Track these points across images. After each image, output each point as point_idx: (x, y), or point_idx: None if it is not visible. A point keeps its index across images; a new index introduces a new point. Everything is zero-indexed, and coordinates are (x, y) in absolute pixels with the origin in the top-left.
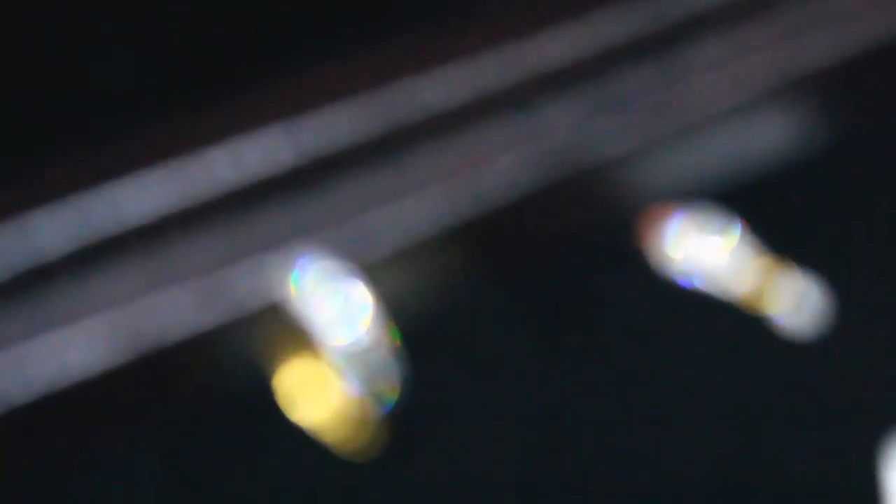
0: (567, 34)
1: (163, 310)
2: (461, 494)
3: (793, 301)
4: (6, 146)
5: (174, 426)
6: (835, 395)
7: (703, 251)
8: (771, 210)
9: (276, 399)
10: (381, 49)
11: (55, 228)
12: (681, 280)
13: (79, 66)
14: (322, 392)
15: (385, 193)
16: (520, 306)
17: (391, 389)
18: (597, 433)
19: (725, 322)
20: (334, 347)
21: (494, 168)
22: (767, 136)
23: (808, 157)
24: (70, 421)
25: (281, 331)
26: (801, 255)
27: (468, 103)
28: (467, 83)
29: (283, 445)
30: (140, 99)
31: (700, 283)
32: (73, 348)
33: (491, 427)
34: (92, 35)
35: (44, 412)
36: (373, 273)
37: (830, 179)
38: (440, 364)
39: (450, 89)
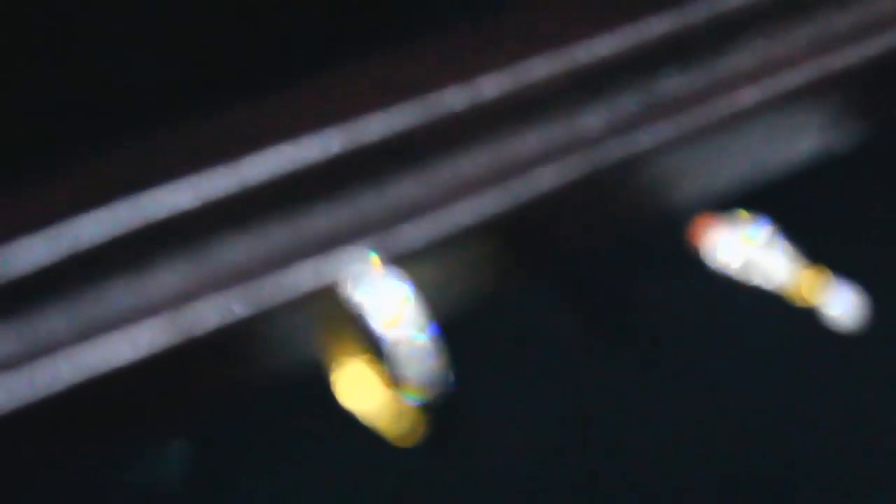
0: (604, 35)
1: (207, 303)
2: (498, 479)
3: (828, 296)
4: (43, 143)
5: (214, 417)
6: (873, 385)
7: (739, 249)
8: (804, 209)
9: (320, 388)
10: (421, 47)
11: (97, 224)
12: (717, 275)
13: (123, 64)
14: (366, 382)
15: (429, 189)
16: (557, 299)
17: (432, 380)
18: (632, 424)
19: (761, 314)
20: (377, 339)
21: (531, 165)
22: (801, 136)
23: (840, 156)
24: (110, 411)
25: (325, 323)
26: (834, 252)
27: (505, 103)
28: (503, 83)
29: (327, 432)
30: (180, 96)
31: (736, 279)
32: (115, 341)
33: (527, 415)
34: (136, 35)
35: (85, 402)
36: (414, 267)
37: (861, 178)
38: (480, 355)
39: (485, 89)
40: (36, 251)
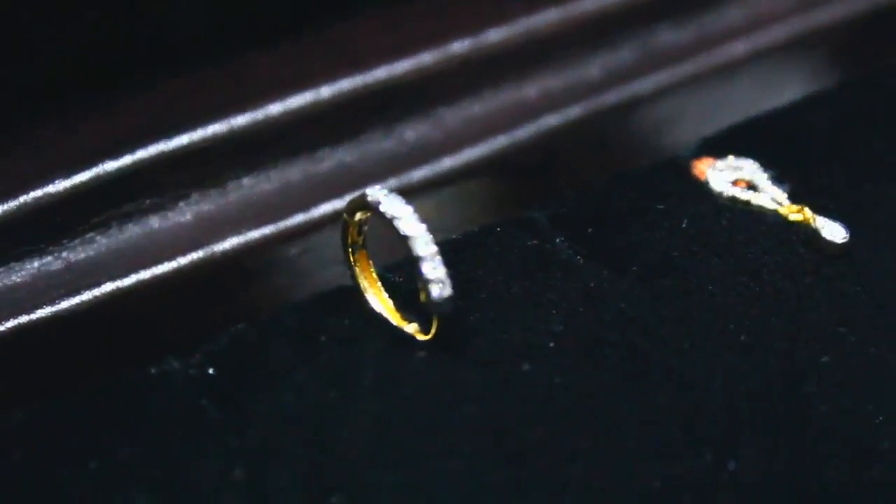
0: None
1: (233, 228)
2: (509, 378)
3: (811, 221)
4: (83, 84)
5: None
6: (853, 295)
7: (730, 185)
8: (789, 148)
9: (349, 296)
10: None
11: (130, 158)
12: (712, 206)
13: (155, 15)
14: (386, 289)
15: (439, 130)
16: (567, 228)
17: (445, 286)
18: (631, 323)
19: (753, 239)
20: (404, 244)
21: (535, 110)
22: (786, 85)
23: (822, 102)
24: (152, 322)
25: (347, 242)
26: (816, 184)
27: (510, 51)
28: (509, 32)
29: (356, 333)
30: (208, 42)
31: (729, 209)
32: (152, 261)
33: (536, 324)
34: None
35: (124, 315)
36: (425, 200)
37: (840, 121)
38: (492, 274)
39: (491, 38)
40: (77, 182)
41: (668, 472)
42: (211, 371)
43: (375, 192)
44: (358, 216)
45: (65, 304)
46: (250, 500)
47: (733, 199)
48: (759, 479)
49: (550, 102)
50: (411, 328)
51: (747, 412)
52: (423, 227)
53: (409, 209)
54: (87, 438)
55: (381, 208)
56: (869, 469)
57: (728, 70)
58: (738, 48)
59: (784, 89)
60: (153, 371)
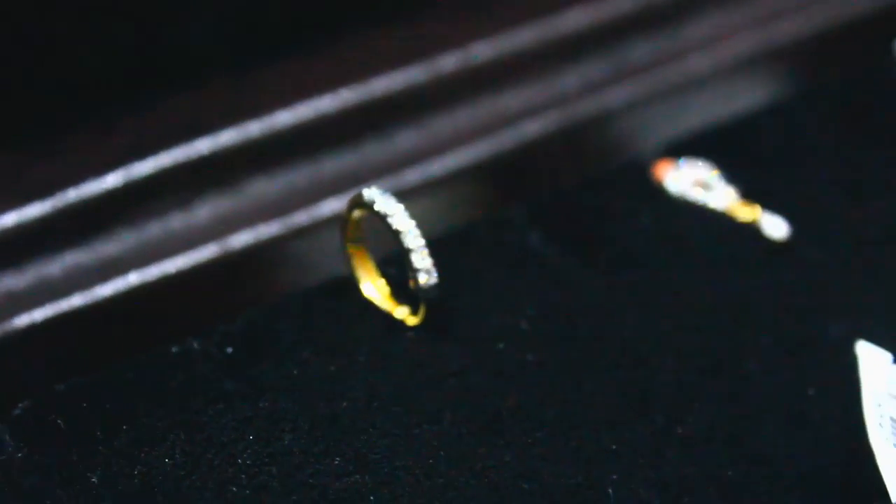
0: (580, 8)
1: (244, 226)
2: (487, 357)
3: (760, 218)
4: (109, 95)
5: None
6: (796, 284)
7: (690, 185)
8: (744, 152)
9: (346, 286)
10: (421, 17)
11: (154, 161)
12: (673, 204)
13: (175, 34)
14: (380, 277)
15: (428, 138)
16: (541, 226)
17: (432, 275)
18: (603, 319)
19: (708, 233)
20: (395, 237)
21: (516, 119)
22: (745, 95)
23: (776, 111)
24: (169, 311)
25: (345, 238)
26: (765, 185)
27: (493, 65)
28: (492, 49)
29: (351, 318)
30: (220, 57)
31: (688, 207)
32: (171, 256)
33: (512, 309)
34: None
35: (147, 305)
36: (415, 202)
37: (792, 130)
38: (472, 265)
39: (476, 54)
40: (106, 183)
41: (624, 435)
42: (228, 350)
43: (370, 192)
44: (356, 213)
45: (97, 292)
46: (261, 460)
47: (688, 199)
48: (703, 440)
49: (529, 112)
50: (402, 312)
51: (695, 385)
52: (413, 222)
53: (401, 207)
54: (119, 407)
55: (376, 207)
56: (801, 433)
57: (692, 83)
58: (702, 62)
59: (743, 100)
60: (175, 350)
